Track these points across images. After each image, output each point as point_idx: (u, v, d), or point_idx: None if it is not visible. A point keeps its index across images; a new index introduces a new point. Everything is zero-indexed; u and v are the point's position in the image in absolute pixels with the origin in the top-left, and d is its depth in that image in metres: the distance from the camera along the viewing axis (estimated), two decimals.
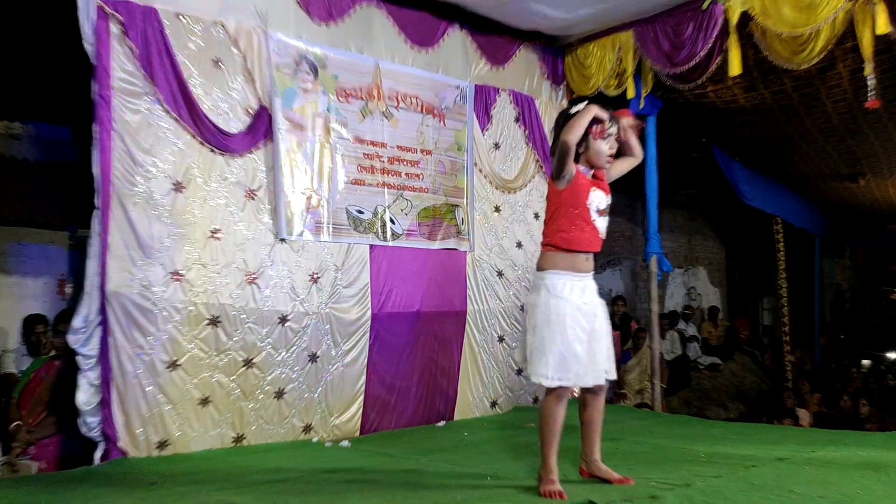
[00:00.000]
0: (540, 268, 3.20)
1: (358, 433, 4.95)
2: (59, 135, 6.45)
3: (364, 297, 5.03)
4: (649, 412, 6.40)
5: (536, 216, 6.14)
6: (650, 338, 6.81)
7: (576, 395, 3.32)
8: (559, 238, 3.15)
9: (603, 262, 10.56)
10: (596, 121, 3.13)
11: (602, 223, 3.21)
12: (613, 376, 3.23)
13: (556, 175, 3.13)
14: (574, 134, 3.03)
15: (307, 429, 4.73)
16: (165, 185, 4.25)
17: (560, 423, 3.10)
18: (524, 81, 6.20)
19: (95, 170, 4.05)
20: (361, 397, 4.99)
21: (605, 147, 3.20)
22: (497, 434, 4.82)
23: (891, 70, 5.70)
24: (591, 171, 3.24)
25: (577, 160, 3.16)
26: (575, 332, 3.04)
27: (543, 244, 3.23)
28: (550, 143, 3.33)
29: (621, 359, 8.42)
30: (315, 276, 4.79)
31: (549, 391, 3.07)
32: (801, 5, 4.69)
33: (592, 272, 3.26)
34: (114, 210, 4.06)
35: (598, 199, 3.17)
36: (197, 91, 4.39)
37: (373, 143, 5.18)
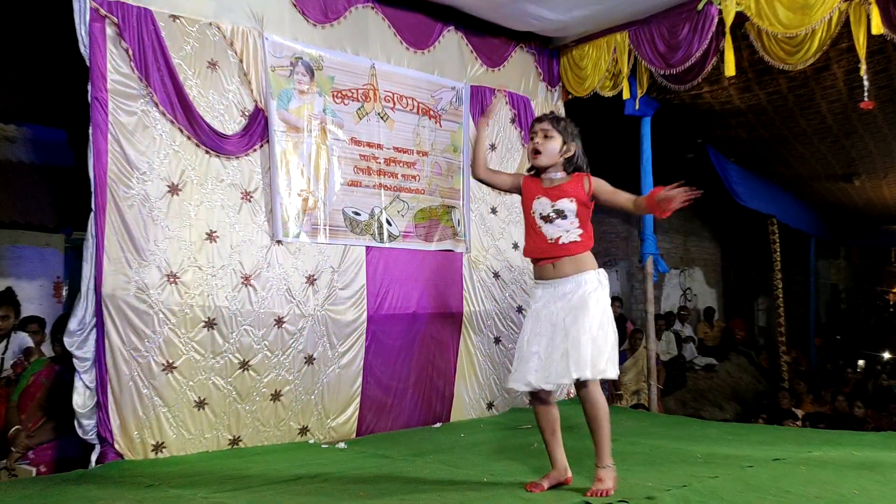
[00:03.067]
0: None
1: (354, 435, 4.94)
2: (55, 137, 6.44)
3: (360, 299, 5.03)
4: (645, 413, 6.40)
5: None
6: (646, 338, 6.81)
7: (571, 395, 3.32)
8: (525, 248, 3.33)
9: (599, 263, 10.56)
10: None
11: (550, 229, 3.21)
12: (564, 379, 3.05)
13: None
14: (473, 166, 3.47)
15: (304, 431, 4.73)
16: (161, 187, 4.25)
17: (541, 424, 3.21)
18: (520, 83, 6.20)
19: (91, 172, 4.05)
20: (358, 399, 4.99)
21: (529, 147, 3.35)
22: (494, 435, 4.82)
23: (885, 70, 5.73)
24: (555, 176, 3.28)
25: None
26: (524, 336, 3.21)
27: None
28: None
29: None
30: (311, 277, 4.79)
31: None
32: (796, 6, 4.71)
33: (567, 276, 3.19)
34: (109, 212, 4.06)
35: (542, 206, 3.24)
36: (192, 93, 4.39)
37: (369, 145, 5.18)
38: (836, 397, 8.41)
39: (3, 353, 5.16)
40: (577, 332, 3.04)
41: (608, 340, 3.06)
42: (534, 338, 3.15)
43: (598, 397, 3.06)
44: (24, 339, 5.34)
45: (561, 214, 3.20)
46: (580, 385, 3.06)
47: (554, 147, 3.24)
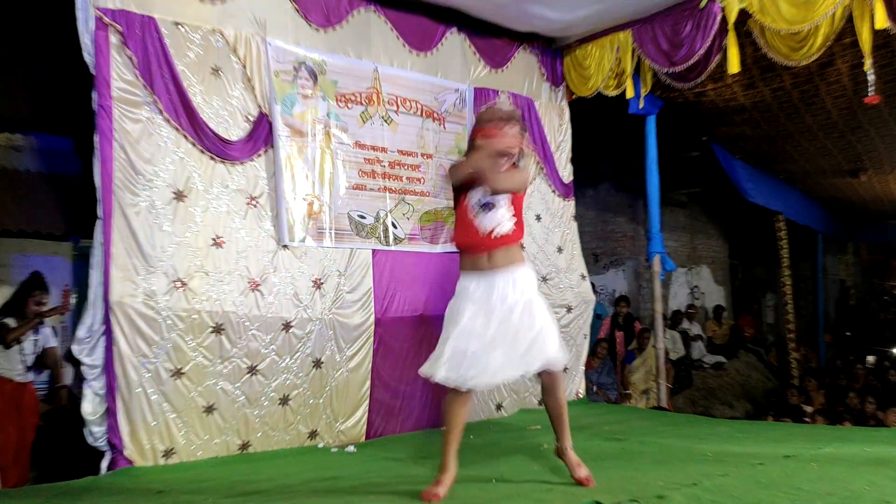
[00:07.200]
0: None
1: (363, 438, 4.94)
2: (61, 146, 6.46)
3: (367, 302, 5.03)
4: (655, 411, 6.39)
5: (538, 218, 6.13)
6: (654, 337, 6.80)
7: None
8: (456, 239, 3.25)
9: (606, 263, 10.57)
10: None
11: (485, 219, 3.14)
12: (540, 367, 3.12)
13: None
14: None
15: (313, 434, 4.73)
16: (167, 193, 4.26)
17: (455, 421, 3.15)
18: (523, 83, 6.19)
19: (97, 180, 4.08)
20: (366, 402, 4.99)
21: (496, 140, 3.13)
22: (502, 437, 4.81)
23: (890, 65, 5.71)
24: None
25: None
26: (470, 331, 3.06)
27: None
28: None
29: (626, 359, 8.43)
30: (318, 281, 4.79)
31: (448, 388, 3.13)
32: (799, 2, 4.70)
33: (510, 266, 3.14)
34: (116, 219, 4.08)
35: (478, 194, 3.14)
36: (197, 99, 4.40)
37: (373, 148, 5.19)
38: (848, 394, 8.37)
39: (35, 345, 5.16)
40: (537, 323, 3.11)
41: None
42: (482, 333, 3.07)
43: None
44: (48, 336, 5.33)
45: (498, 203, 3.16)
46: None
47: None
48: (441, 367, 3.08)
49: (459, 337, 3.08)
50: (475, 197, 3.17)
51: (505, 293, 3.10)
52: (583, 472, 3.20)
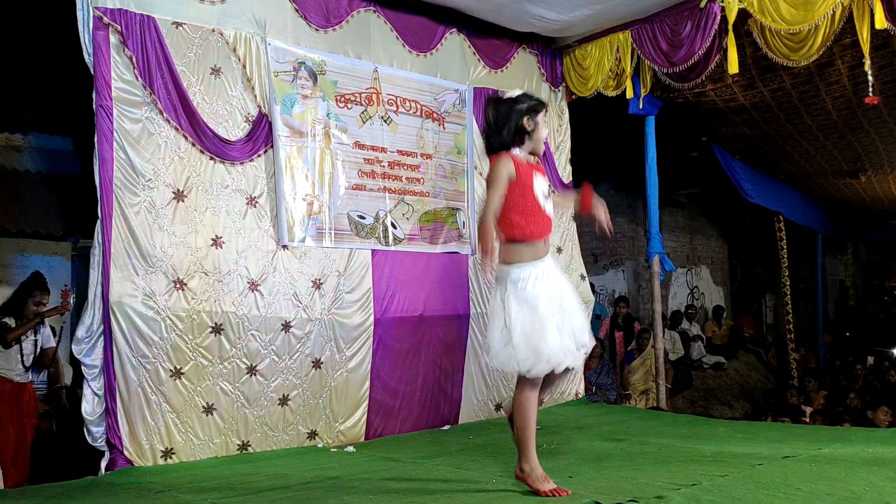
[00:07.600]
0: (505, 261, 3.09)
1: (363, 438, 4.94)
2: (61, 146, 6.46)
3: (367, 303, 5.03)
4: (655, 412, 6.38)
5: None
6: (654, 338, 6.80)
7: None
8: (517, 232, 3.08)
9: (605, 263, 10.56)
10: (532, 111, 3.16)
11: (548, 206, 3.18)
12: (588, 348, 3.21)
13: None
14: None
15: (312, 435, 4.73)
16: (166, 193, 4.26)
17: (534, 414, 3.14)
18: (523, 84, 6.18)
19: (97, 180, 4.08)
20: (366, 402, 4.99)
21: (544, 132, 3.24)
22: (502, 437, 4.79)
23: (890, 65, 5.71)
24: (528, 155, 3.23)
25: (515, 145, 3.15)
26: (548, 318, 3.00)
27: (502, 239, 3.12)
28: (486, 124, 3.25)
29: (625, 359, 8.43)
30: (318, 281, 4.79)
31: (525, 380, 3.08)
32: (798, 2, 4.70)
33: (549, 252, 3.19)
34: (116, 219, 4.08)
35: (541, 184, 3.15)
36: (196, 99, 4.41)
37: (373, 148, 5.19)
38: (847, 394, 8.37)
39: (35, 345, 5.15)
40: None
41: None
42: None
43: None
44: (47, 336, 5.32)
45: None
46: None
47: None
48: (542, 362, 3.00)
49: (552, 322, 3.01)
50: (543, 186, 3.16)
51: (556, 272, 3.15)
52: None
